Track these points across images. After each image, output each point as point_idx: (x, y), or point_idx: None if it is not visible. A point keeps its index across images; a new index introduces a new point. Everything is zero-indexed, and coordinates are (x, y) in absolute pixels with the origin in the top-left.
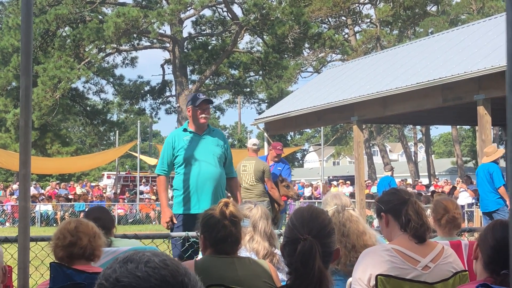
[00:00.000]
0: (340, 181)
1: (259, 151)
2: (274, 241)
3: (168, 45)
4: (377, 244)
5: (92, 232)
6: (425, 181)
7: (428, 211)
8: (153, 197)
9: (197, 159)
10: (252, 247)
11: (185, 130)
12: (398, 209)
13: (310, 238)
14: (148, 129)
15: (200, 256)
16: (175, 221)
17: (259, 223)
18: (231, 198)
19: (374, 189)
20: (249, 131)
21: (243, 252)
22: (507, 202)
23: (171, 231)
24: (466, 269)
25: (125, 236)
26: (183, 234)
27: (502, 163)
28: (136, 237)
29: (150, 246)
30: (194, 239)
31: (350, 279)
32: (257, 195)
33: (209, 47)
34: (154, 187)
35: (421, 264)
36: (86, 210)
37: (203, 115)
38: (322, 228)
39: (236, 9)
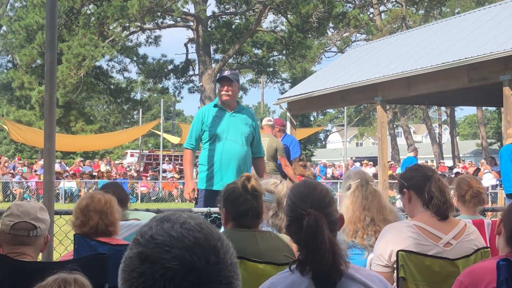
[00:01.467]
0: (364, 161)
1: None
2: None
3: (191, 23)
4: (397, 219)
5: (104, 209)
6: (449, 163)
7: (452, 192)
8: (176, 176)
9: (223, 136)
10: (275, 223)
11: (215, 106)
12: (421, 185)
13: (313, 211)
14: (171, 108)
15: (222, 230)
16: (196, 195)
17: (284, 200)
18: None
19: (398, 171)
20: (272, 111)
21: (264, 227)
22: None
23: (195, 203)
24: (489, 246)
25: (148, 211)
26: (205, 209)
27: None
28: (159, 211)
29: None
30: (216, 215)
31: (371, 255)
32: (268, 172)
33: (233, 26)
34: (177, 166)
35: (443, 241)
36: (101, 186)
37: (224, 92)
38: (322, 199)
39: None
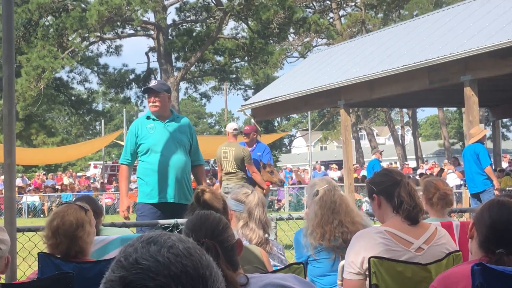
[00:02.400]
0: (333, 165)
1: (237, 136)
2: (268, 228)
3: (152, 32)
4: (364, 222)
5: (74, 232)
6: (412, 164)
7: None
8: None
9: (160, 147)
10: (245, 233)
11: (148, 118)
12: (390, 190)
13: (208, 241)
14: (134, 117)
15: None
16: (131, 212)
17: (255, 210)
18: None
19: (363, 173)
20: (236, 117)
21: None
22: (494, 182)
23: (134, 219)
24: (459, 249)
25: (113, 225)
26: (172, 221)
27: (489, 144)
28: (125, 225)
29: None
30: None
31: (342, 262)
32: (238, 180)
33: (194, 34)
34: None
35: (414, 246)
36: (74, 200)
37: (151, 104)
38: (214, 227)
39: None
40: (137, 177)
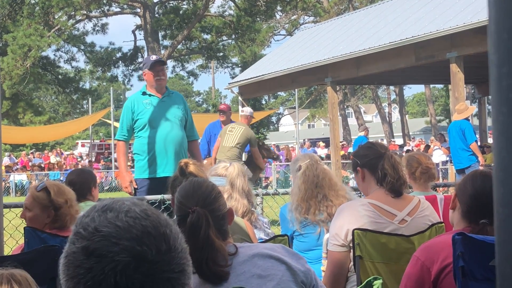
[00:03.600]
0: (320, 142)
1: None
2: (251, 198)
3: (138, 10)
4: (348, 195)
5: (49, 207)
6: (399, 141)
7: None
8: (129, 164)
9: (159, 122)
10: (230, 205)
11: (144, 93)
12: (374, 163)
13: (199, 208)
14: (121, 96)
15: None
16: (135, 185)
17: (237, 181)
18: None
19: (350, 151)
20: (223, 96)
21: None
22: (479, 158)
23: (135, 195)
24: (443, 221)
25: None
26: (159, 197)
27: (475, 121)
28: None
29: None
30: (170, 202)
31: (326, 235)
32: (229, 157)
33: (181, 12)
34: (130, 154)
35: (398, 218)
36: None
37: (158, 77)
38: (207, 195)
39: None
40: (134, 153)
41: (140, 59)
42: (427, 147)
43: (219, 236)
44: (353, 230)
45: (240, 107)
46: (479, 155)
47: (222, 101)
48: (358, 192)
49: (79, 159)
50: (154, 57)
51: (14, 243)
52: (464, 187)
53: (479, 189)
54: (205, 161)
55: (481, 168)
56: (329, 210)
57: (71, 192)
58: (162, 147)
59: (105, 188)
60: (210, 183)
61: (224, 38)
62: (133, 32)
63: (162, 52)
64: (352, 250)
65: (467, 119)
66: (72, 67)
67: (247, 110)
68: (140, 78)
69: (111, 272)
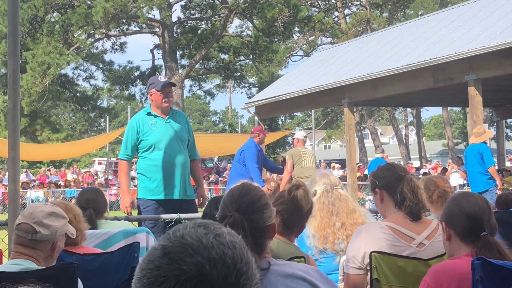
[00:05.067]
0: (332, 164)
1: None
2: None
3: (157, 29)
4: (367, 221)
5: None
6: (416, 163)
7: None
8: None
9: (164, 144)
10: None
11: (149, 114)
12: (393, 185)
13: (236, 214)
14: None
15: None
16: (134, 207)
17: None
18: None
19: (366, 173)
20: (240, 115)
21: None
22: (497, 182)
23: (139, 214)
24: None
25: (116, 219)
26: (175, 216)
27: (493, 145)
28: (128, 219)
29: (142, 228)
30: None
31: (343, 257)
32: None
33: (199, 32)
34: None
35: (416, 241)
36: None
37: (166, 99)
38: (250, 204)
39: None
40: (138, 173)
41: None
42: (445, 170)
43: (254, 248)
44: (371, 252)
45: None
46: (497, 179)
47: (238, 120)
48: (375, 214)
49: (95, 177)
50: (163, 78)
51: None
52: (451, 213)
53: (467, 208)
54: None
55: (498, 192)
56: (348, 239)
57: (77, 208)
58: (168, 169)
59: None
60: (261, 192)
61: (242, 58)
62: (152, 51)
63: (180, 71)
64: (369, 273)
65: (484, 142)
66: (90, 85)
67: (301, 133)
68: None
69: (173, 278)
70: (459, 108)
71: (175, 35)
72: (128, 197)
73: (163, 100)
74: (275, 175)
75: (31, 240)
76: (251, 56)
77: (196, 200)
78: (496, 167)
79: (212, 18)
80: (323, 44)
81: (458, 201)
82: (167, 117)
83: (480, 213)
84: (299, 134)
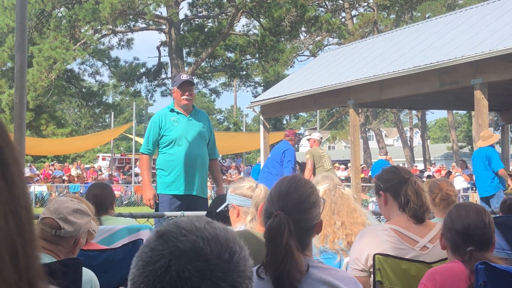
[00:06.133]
0: (335, 164)
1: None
2: None
3: (164, 27)
4: (368, 221)
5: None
6: (420, 166)
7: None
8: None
9: (185, 140)
10: (254, 227)
11: (172, 110)
12: (397, 188)
13: (281, 214)
14: (143, 111)
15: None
16: (157, 200)
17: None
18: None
19: (370, 174)
20: (245, 114)
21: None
22: (509, 182)
23: (155, 209)
24: None
25: (120, 215)
26: (179, 214)
27: (498, 149)
28: (132, 216)
29: (146, 225)
30: None
31: (346, 259)
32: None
33: (206, 30)
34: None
35: (419, 244)
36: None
37: (185, 97)
38: (298, 203)
39: None
40: (158, 168)
41: (163, 75)
42: (449, 173)
43: (299, 247)
44: (374, 255)
45: (261, 126)
46: (508, 179)
47: (243, 119)
48: (378, 216)
49: (99, 172)
50: (184, 77)
51: None
52: (446, 225)
53: (456, 224)
54: None
55: (505, 196)
56: (348, 238)
57: (92, 207)
58: (188, 165)
59: (124, 202)
60: (311, 189)
61: (248, 57)
62: (158, 48)
63: (186, 69)
64: (372, 275)
65: (492, 146)
66: (96, 81)
67: (317, 135)
68: (163, 94)
69: (168, 254)
70: (464, 112)
71: (181, 32)
72: (151, 190)
73: (182, 98)
74: None
75: (55, 236)
76: (257, 55)
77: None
78: None
79: (219, 16)
80: (330, 44)
81: (452, 213)
82: (189, 115)
83: (469, 227)
84: (316, 135)
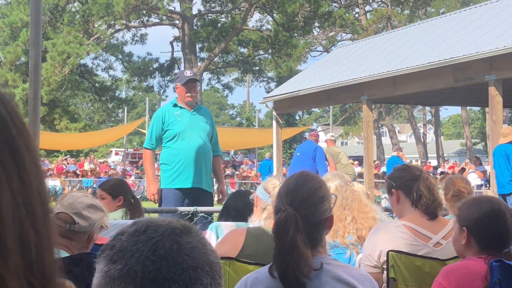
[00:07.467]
0: (350, 161)
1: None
2: None
3: (177, 22)
4: (378, 216)
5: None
6: (433, 162)
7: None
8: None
9: (188, 135)
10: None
11: (175, 105)
12: (409, 185)
13: (289, 209)
14: (156, 106)
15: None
16: (160, 195)
17: None
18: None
19: (383, 170)
20: (258, 109)
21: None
22: None
23: (158, 204)
24: None
25: None
26: (192, 209)
27: None
28: (145, 211)
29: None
30: (203, 214)
31: (359, 256)
32: (351, 174)
33: (219, 25)
34: None
35: (433, 241)
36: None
37: (189, 94)
38: (306, 198)
39: None
40: (161, 163)
41: (176, 70)
42: (462, 170)
43: (307, 242)
44: (388, 251)
45: (274, 121)
46: None
47: (255, 115)
48: (390, 212)
49: (112, 167)
50: (188, 73)
51: None
52: (477, 222)
53: (495, 225)
54: None
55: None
56: (358, 233)
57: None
58: (191, 159)
59: (137, 197)
60: (319, 183)
61: (261, 52)
62: (171, 43)
63: (199, 64)
64: (385, 272)
65: (511, 142)
66: (109, 75)
67: (330, 135)
68: (175, 89)
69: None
70: (478, 108)
71: (195, 27)
72: (155, 185)
73: (186, 95)
74: None
75: (69, 230)
76: (270, 51)
77: (216, 195)
78: None
79: (232, 12)
80: (343, 40)
81: (485, 211)
82: (193, 110)
83: (507, 228)
84: (328, 135)
